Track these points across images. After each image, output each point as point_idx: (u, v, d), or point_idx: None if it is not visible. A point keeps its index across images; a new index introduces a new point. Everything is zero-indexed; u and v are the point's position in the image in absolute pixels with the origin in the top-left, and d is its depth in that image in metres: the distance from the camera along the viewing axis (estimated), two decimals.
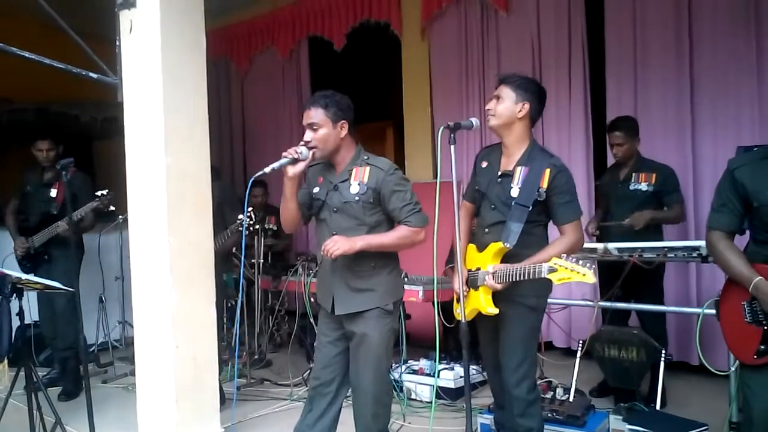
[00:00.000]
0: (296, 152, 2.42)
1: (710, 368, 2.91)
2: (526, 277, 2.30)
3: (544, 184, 2.42)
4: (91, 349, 4.81)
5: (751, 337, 2.06)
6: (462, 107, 5.26)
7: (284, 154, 2.44)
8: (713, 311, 2.39)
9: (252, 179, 2.49)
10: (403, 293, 2.66)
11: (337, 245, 2.35)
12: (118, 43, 3.11)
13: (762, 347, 2.03)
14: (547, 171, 2.44)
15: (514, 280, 2.35)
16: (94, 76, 3.07)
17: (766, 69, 3.90)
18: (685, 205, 3.82)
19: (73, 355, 4.13)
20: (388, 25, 5.70)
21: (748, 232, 2.22)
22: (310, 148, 2.45)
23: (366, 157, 2.50)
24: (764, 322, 2.04)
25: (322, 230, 2.56)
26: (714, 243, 2.18)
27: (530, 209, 2.41)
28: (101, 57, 3.11)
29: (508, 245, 2.39)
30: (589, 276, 2.03)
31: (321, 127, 2.43)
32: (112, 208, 3.95)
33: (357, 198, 2.44)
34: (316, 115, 2.44)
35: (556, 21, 4.78)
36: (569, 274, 2.06)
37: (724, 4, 4.05)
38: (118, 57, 3.12)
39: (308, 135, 2.45)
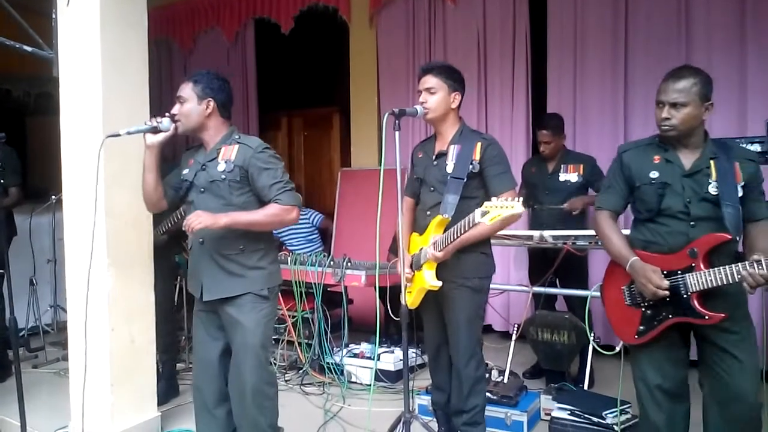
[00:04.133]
0: (156, 121, 2.40)
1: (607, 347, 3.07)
2: (463, 231, 2.36)
3: (477, 156, 2.51)
4: (21, 334, 4.64)
5: (632, 318, 2.23)
6: (408, 95, 5.30)
7: (145, 121, 2.42)
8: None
9: (105, 138, 2.42)
10: (280, 279, 2.55)
11: (199, 219, 2.27)
12: (54, 17, 2.99)
13: (641, 328, 2.20)
14: (479, 144, 2.53)
15: (453, 239, 2.41)
16: (29, 49, 2.94)
17: None
18: None
19: None
20: (336, 11, 5.68)
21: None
22: (174, 121, 2.43)
23: (237, 137, 2.47)
24: (641, 305, 2.20)
25: (190, 213, 2.48)
26: (599, 222, 2.34)
27: (465, 181, 2.48)
28: (36, 30, 2.98)
29: (446, 216, 2.44)
30: (517, 207, 2.12)
31: (186, 101, 2.43)
32: None
33: (223, 176, 2.38)
34: (184, 88, 2.45)
35: (501, 14, 4.90)
36: (499, 211, 2.14)
37: (658, 7, 4.24)
38: (54, 31, 3.00)
39: (176, 108, 2.45)
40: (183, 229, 2.35)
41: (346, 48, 5.87)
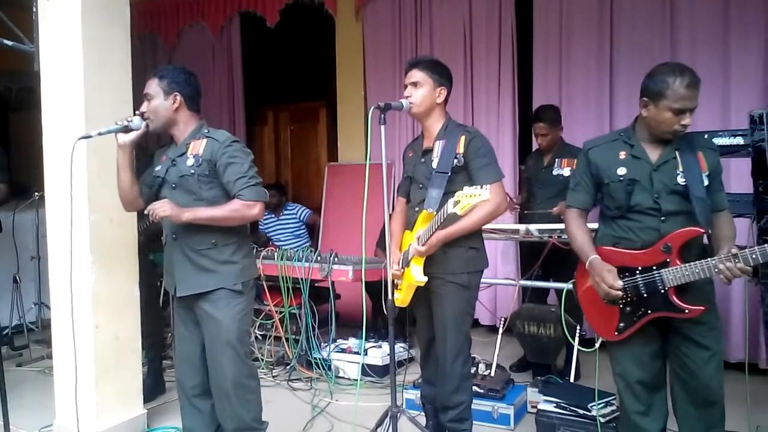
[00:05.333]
0: (127, 120, 2.39)
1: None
2: (440, 221, 2.36)
3: (461, 149, 2.50)
4: (5, 332, 4.59)
5: (610, 315, 2.22)
6: (395, 89, 5.27)
7: (116, 121, 2.41)
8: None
9: (76, 140, 2.42)
10: (255, 272, 2.55)
11: (163, 207, 2.27)
12: (35, 10, 2.95)
13: (621, 324, 2.20)
14: (462, 137, 2.52)
15: (433, 231, 2.40)
16: (9, 43, 2.88)
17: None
18: None
19: None
20: (322, 4, 5.65)
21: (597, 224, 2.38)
22: (145, 119, 2.42)
23: (206, 131, 2.45)
24: (619, 302, 2.18)
25: None
26: (569, 220, 2.34)
27: (449, 175, 2.47)
28: (17, 24, 2.93)
29: (431, 210, 2.44)
30: (484, 194, 2.16)
31: (153, 97, 2.42)
32: None
33: (192, 171, 2.38)
34: (150, 85, 2.43)
35: (487, 7, 4.90)
36: (469, 200, 2.17)
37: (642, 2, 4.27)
38: (34, 24, 2.96)
39: (144, 105, 2.43)
40: (146, 213, 2.34)
41: (332, 42, 5.84)
